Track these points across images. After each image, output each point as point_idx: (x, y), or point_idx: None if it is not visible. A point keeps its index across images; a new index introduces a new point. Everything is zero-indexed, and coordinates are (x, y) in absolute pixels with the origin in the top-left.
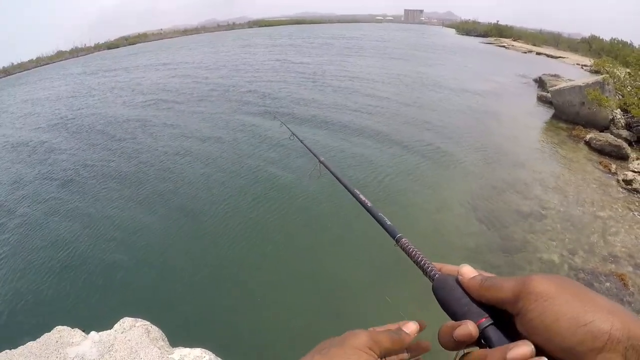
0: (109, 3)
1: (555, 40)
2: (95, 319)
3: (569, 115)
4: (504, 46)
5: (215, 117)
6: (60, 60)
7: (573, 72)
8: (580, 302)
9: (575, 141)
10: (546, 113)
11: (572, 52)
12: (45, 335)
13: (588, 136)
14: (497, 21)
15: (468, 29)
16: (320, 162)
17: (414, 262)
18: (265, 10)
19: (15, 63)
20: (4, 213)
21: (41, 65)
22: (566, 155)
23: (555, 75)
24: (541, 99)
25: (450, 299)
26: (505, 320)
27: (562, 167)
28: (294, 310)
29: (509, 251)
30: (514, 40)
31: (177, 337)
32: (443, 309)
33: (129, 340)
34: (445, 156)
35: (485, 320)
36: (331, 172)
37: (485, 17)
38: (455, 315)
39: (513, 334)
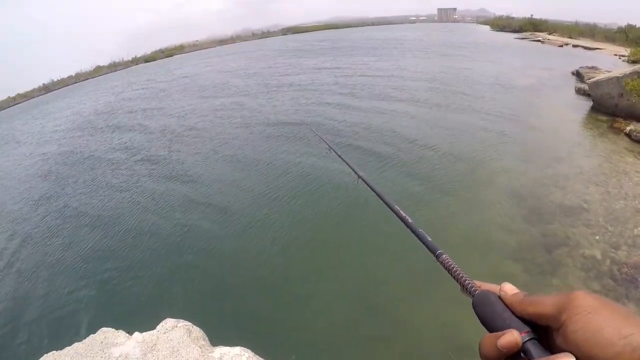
0: (143, 18)
1: (591, 32)
2: (139, 321)
3: (607, 107)
4: (539, 40)
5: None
6: (99, 75)
7: (611, 62)
8: (621, 317)
9: (615, 133)
10: (585, 106)
11: (609, 43)
12: (91, 337)
13: (628, 128)
14: (531, 15)
15: (502, 24)
16: (360, 177)
17: (453, 277)
18: (298, 17)
19: (55, 79)
20: (60, 207)
21: (81, 81)
22: (607, 148)
23: (592, 67)
24: (579, 92)
25: (491, 313)
26: (544, 337)
27: (602, 160)
28: (330, 313)
29: (551, 247)
30: (549, 34)
31: (218, 337)
32: (483, 324)
33: (171, 340)
34: (485, 152)
35: (527, 334)
36: (371, 187)
37: (519, 11)
38: (497, 330)
39: (552, 350)
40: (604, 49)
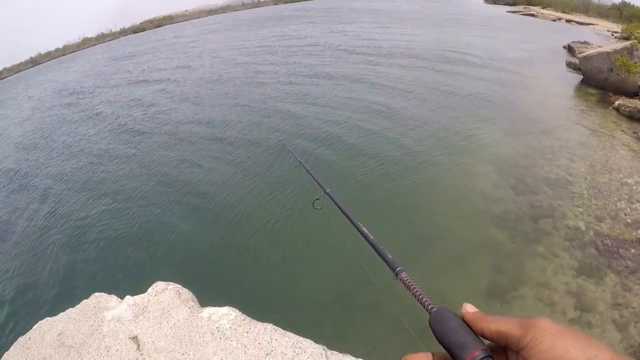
0: None
1: (585, 7)
2: (131, 286)
3: (597, 81)
4: (532, 14)
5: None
6: (87, 47)
7: (603, 38)
8: (584, 340)
9: (604, 107)
10: (575, 79)
11: (602, 19)
12: (84, 302)
13: (617, 102)
14: None
15: None
16: (326, 193)
17: (412, 295)
18: None
19: (42, 52)
20: (57, 174)
21: (68, 53)
22: (594, 122)
23: (584, 42)
24: (570, 66)
25: (447, 329)
26: (499, 357)
27: (590, 134)
28: (315, 281)
29: (536, 217)
30: (543, 8)
31: (207, 299)
32: (439, 340)
33: (161, 302)
34: (474, 123)
35: (481, 352)
36: (336, 203)
37: None
38: (452, 345)
39: None
40: (597, 24)
